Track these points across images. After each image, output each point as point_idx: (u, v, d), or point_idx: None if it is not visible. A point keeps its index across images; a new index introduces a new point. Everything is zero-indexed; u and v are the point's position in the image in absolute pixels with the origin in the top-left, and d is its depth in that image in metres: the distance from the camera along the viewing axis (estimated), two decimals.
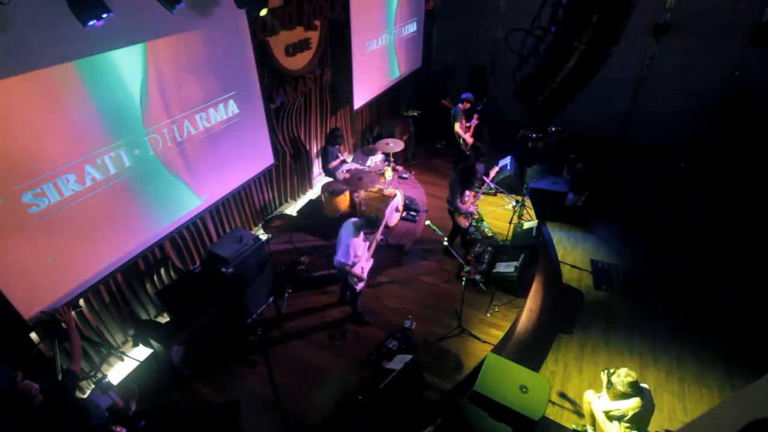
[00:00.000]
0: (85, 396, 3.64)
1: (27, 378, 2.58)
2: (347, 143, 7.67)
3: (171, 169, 4.20)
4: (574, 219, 6.70)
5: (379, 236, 4.34)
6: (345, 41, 6.26)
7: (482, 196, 5.40)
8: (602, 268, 5.92)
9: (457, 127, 6.66)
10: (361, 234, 4.13)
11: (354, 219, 4.17)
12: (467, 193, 5.07)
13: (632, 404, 3.29)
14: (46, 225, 3.25)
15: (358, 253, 4.13)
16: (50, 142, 3.15)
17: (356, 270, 4.13)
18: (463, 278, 4.35)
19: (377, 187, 5.82)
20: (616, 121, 8.21)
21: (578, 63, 3.44)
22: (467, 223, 5.22)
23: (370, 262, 4.40)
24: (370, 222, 4.03)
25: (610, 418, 3.41)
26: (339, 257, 4.04)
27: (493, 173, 5.58)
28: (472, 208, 5.14)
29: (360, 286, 4.28)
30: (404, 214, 6.26)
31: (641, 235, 6.48)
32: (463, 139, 6.72)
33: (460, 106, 6.67)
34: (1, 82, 2.77)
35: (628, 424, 3.33)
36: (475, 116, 6.78)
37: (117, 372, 4.15)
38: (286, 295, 4.94)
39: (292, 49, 5.41)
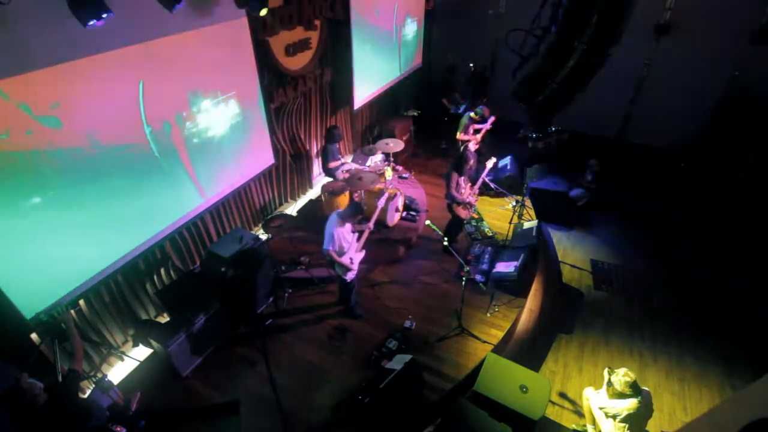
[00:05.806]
0: (85, 396, 3.64)
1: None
2: (347, 144, 7.66)
3: (171, 169, 4.20)
4: (574, 219, 6.69)
5: (369, 228, 4.33)
6: (345, 41, 6.26)
7: (477, 189, 5.31)
8: (602, 268, 5.92)
9: (460, 135, 6.63)
10: (348, 225, 4.17)
11: (339, 210, 4.19)
12: (461, 180, 5.00)
13: (628, 405, 3.29)
14: (46, 225, 3.25)
15: (344, 244, 4.14)
16: None
17: (344, 260, 4.15)
18: (463, 278, 4.36)
19: (377, 187, 5.82)
20: (616, 121, 8.21)
21: (578, 63, 3.45)
22: (467, 214, 5.17)
23: (362, 254, 4.38)
24: (352, 208, 4.06)
25: (605, 415, 3.42)
26: (324, 245, 4.10)
27: (489, 165, 5.48)
28: (470, 199, 5.10)
29: (349, 276, 4.29)
30: (404, 214, 6.26)
31: (641, 235, 6.47)
32: (466, 145, 6.66)
33: (472, 115, 6.62)
34: (0, 82, 2.76)
35: (622, 424, 3.34)
36: (491, 119, 6.65)
37: (117, 372, 4.16)
38: (287, 295, 4.94)
39: (292, 49, 5.41)
